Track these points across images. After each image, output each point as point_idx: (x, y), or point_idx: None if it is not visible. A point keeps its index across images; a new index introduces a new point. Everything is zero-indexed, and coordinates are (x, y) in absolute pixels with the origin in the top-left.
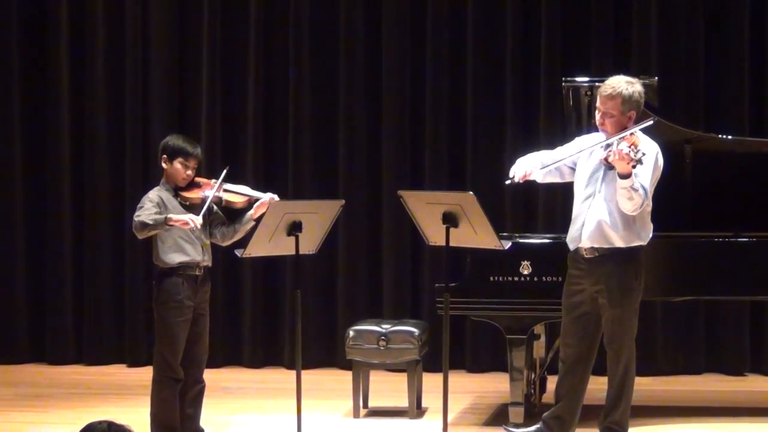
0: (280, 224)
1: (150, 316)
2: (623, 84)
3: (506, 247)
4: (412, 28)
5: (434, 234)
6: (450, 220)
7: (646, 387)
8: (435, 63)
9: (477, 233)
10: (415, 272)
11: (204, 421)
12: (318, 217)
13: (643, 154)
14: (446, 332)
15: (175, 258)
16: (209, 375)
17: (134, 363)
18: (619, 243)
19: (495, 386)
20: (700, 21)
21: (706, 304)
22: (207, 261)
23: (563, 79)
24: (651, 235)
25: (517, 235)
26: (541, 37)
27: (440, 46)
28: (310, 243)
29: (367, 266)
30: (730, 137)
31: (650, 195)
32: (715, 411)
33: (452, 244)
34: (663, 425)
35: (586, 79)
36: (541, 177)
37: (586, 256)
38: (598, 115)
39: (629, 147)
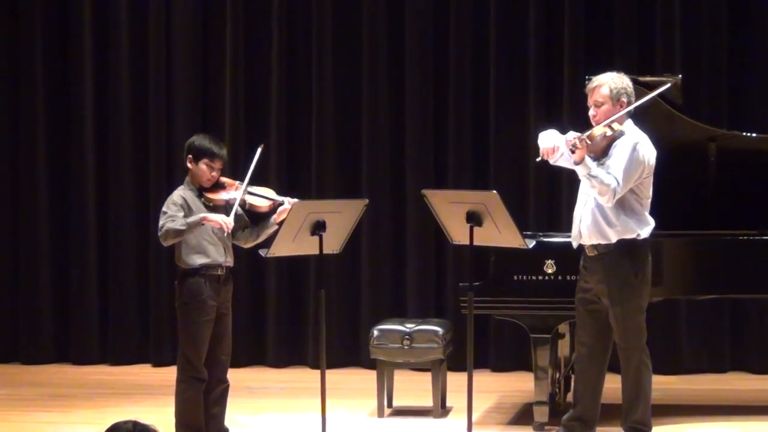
0: (304, 224)
1: (174, 316)
2: (609, 74)
3: (530, 246)
4: (434, 26)
5: (458, 233)
6: (474, 219)
7: (671, 386)
8: (458, 61)
9: (501, 232)
10: (439, 271)
11: (228, 420)
12: (342, 217)
13: (588, 142)
14: (470, 331)
15: (197, 260)
16: (233, 375)
17: (159, 363)
18: (612, 236)
19: (519, 385)
20: (723, 17)
21: (730, 303)
22: (229, 262)
23: (587, 77)
24: (651, 229)
25: (540, 234)
26: (565, 34)
27: (463, 43)
28: (334, 242)
29: (391, 265)
30: (754, 135)
31: (627, 186)
32: (740, 410)
33: (476, 243)
34: (688, 424)
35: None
36: (559, 155)
37: (588, 254)
38: (590, 111)
39: (582, 135)
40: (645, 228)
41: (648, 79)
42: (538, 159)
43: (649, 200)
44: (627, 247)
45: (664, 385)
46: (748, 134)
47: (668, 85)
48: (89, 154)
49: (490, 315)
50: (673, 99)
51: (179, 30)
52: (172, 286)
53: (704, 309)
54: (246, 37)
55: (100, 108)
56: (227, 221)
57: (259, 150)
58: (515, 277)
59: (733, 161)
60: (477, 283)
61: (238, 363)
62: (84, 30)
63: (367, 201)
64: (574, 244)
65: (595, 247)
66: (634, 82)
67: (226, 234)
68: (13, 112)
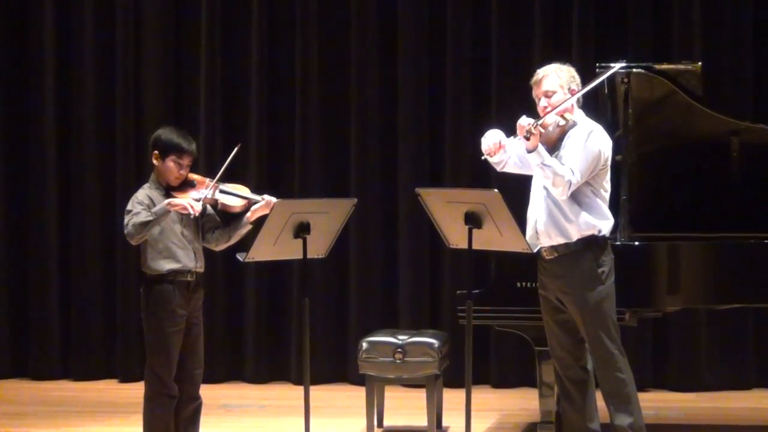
0: (287, 225)
1: (142, 327)
2: (555, 65)
3: (534, 251)
4: (431, 13)
5: (455, 236)
6: (473, 220)
7: (689, 404)
8: (456, 47)
9: (502, 235)
10: (435, 278)
11: None
12: (328, 218)
13: (536, 125)
14: (469, 344)
15: (165, 265)
16: (209, 391)
17: (126, 378)
18: (573, 233)
19: (523, 403)
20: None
21: (755, 312)
22: (200, 267)
23: (597, 65)
24: (612, 225)
25: None
26: (573, 18)
27: (463, 28)
28: (319, 246)
29: (381, 271)
30: None
31: (583, 178)
32: (766, 430)
33: (475, 246)
34: None
35: (622, 64)
36: (509, 156)
37: (546, 257)
38: (539, 104)
39: (536, 122)
40: (605, 223)
41: (665, 66)
42: (483, 157)
43: (608, 194)
44: (588, 243)
45: (681, 404)
46: None
47: (611, 71)
48: (50, 153)
49: (490, 326)
50: (693, 89)
51: (150, 12)
52: (140, 294)
53: (726, 319)
54: (223, 23)
55: (62, 100)
56: (193, 203)
57: (236, 149)
58: (518, 284)
59: (757, 157)
60: (476, 291)
61: (214, 378)
62: (45, 17)
63: (355, 200)
64: (533, 249)
65: (554, 248)
66: (648, 69)
67: (193, 216)
68: None
